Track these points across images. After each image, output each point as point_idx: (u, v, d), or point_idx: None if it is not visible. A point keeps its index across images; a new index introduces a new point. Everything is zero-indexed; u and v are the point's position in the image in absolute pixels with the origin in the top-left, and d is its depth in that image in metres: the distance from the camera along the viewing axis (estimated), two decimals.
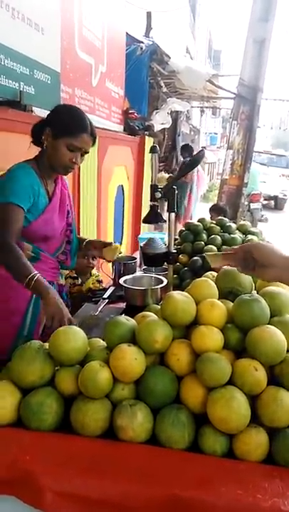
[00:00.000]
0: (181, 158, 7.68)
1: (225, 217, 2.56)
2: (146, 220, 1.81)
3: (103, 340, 1.18)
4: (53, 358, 1.08)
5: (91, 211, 3.20)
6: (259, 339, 1.05)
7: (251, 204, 7.78)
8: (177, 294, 1.13)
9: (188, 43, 13.46)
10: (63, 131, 1.63)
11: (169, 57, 5.25)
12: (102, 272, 2.37)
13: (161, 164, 7.64)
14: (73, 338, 1.07)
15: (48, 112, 1.65)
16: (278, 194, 13.41)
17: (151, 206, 1.81)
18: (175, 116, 8.38)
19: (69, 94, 3.04)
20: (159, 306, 1.68)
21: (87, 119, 1.66)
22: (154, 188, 1.76)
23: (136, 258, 2.27)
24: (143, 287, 1.84)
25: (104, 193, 3.60)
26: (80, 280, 2.59)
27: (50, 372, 1.08)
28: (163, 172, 7.62)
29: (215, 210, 4.16)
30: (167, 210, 1.81)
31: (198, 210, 7.56)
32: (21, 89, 2.11)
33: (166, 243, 1.85)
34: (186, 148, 7.28)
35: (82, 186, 3.02)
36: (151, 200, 1.79)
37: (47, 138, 1.65)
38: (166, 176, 7.90)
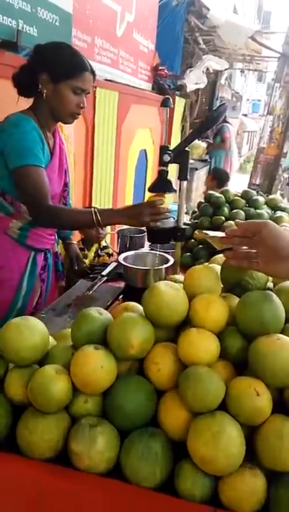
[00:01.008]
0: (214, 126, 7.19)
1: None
2: (152, 188, 1.54)
3: None
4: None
5: (106, 177, 2.93)
6: (266, 352, 0.79)
7: None
8: (165, 285, 0.88)
9: (235, 0, 12.50)
10: (65, 73, 1.40)
11: (208, 10, 4.75)
12: (107, 244, 2.14)
13: (189, 130, 7.18)
14: (28, 332, 0.84)
15: (32, 55, 1.42)
16: None
17: (159, 172, 1.53)
18: (214, 78, 7.81)
19: (87, 43, 2.73)
20: None
21: (82, 54, 1.44)
22: (163, 149, 1.47)
23: (144, 232, 2.01)
24: (145, 266, 1.60)
25: (123, 158, 3.31)
26: (86, 251, 2.37)
27: (0, 372, 0.87)
28: (197, 139, 7.16)
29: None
30: (178, 178, 1.53)
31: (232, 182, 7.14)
32: (19, 28, 1.82)
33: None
34: None
35: (96, 148, 2.75)
36: (159, 165, 1.51)
37: (45, 85, 1.42)
38: (203, 144, 7.45)
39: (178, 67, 4.68)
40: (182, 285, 0.97)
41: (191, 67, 4.95)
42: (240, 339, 0.87)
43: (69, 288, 1.72)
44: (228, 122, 7.13)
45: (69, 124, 1.55)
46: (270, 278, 1.05)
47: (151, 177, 4.23)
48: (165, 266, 1.56)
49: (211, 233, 0.99)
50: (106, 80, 2.91)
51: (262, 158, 5.13)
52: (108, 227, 2.42)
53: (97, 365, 0.79)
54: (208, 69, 5.11)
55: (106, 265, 1.86)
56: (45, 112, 1.48)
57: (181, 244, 1.59)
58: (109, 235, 2.67)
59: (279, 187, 5.44)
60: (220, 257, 1.25)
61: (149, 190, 1.57)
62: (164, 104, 1.53)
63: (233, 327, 0.89)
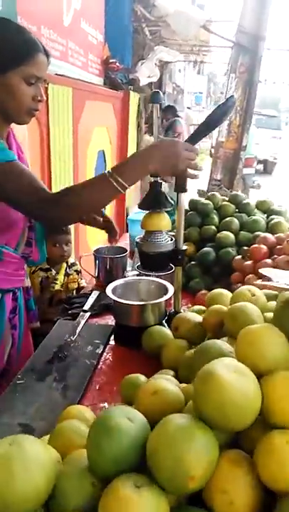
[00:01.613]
0: (165, 121, 6.97)
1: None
2: (145, 205, 1.25)
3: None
4: None
5: (65, 182, 2.58)
6: None
7: (244, 169, 7.17)
8: (227, 370, 0.59)
9: None
10: (13, 58, 1.07)
11: None
12: (82, 268, 1.82)
13: (144, 126, 6.91)
14: (22, 469, 0.52)
15: None
16: (268, 158, 12.84)
17: (151, 184, 1.24)
18: (160, 71, 7.57)
19: (33, 33, 2.35)
20: (168, 334, 1.16)
21: (30, 32, 1.13)
22: None
23: (126, 250, 1.71)
24: (139, 301, 1.30)
25: (82, 160, 2.96)
26: (53, 272, 2.03)
27: None
28: (147, 135, 6.90)
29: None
30: (175, 190, 1.24)
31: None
32: None
33: (173, 236, 1.30)
34: (170, 110, 6.55)
35: (53, 150, 2.39)
36: (151, 175, 1.21)
37: None
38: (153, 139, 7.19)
39: (129, 59, 4.37)
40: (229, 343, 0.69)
41: (143, 59, 4.66)
42: None
43: (44, 326, 1.41)
44: (179, 116, 6.95)
45: (25, 123, 1.21)
46: None
47: None
48: (165, 298, 1.27)
49: (271, 274, 0.71)
50: (57, 74, 2.55)
51: (221, 153, 4.97)
52: (71, 246, 2.09)
53: None
54: (160, 61, 4.85)
55: (86, 296, 1.54)
56: None
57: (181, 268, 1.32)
58: (72, 252, 2.32)
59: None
60: (248, 291, 0.97)
61: (140, 206, 1.28)
62: (154, 99, 1.24)
63: None
